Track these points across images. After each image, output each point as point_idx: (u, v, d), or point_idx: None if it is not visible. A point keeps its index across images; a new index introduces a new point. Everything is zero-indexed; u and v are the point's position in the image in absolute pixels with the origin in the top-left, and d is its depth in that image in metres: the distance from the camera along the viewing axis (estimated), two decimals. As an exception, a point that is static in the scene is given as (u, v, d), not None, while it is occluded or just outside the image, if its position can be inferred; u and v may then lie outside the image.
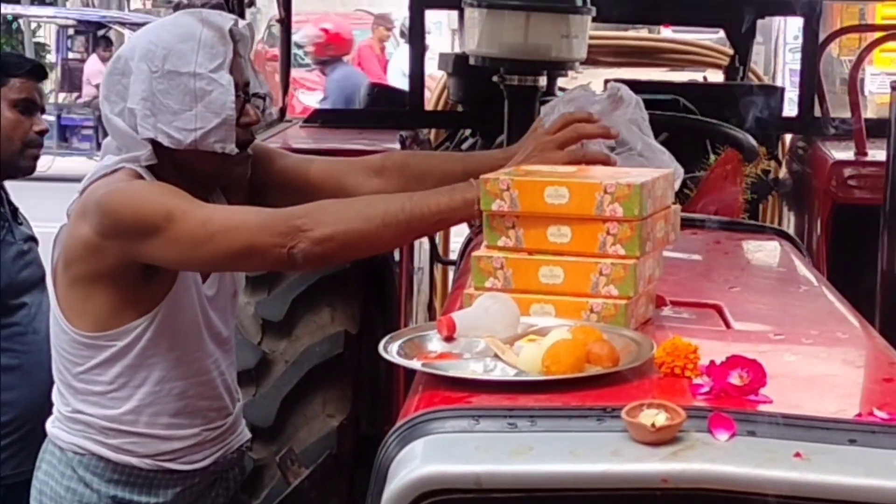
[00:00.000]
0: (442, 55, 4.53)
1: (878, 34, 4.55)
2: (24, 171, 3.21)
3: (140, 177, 2.38)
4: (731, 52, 5.05)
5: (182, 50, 2.36)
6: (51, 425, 2.52)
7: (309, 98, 16.55)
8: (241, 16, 3.93)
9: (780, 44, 20.67)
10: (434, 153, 3.37)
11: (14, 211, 3.27)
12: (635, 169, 2.30)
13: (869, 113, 15.35)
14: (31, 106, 3.18)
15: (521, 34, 2.77)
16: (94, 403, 2.45)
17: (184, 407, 2.50)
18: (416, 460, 1.66)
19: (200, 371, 2.52)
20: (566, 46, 2.79)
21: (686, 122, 3.68)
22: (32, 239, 3.30)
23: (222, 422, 2.58)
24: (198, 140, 2.36)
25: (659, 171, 2.21)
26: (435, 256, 4.55)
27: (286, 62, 4.75)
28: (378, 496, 1.68)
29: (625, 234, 2.06)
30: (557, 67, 3.07)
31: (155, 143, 2.37)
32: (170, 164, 2.40)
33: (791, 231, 4.38)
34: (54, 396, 2.53)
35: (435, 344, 2.01)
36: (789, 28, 15.94)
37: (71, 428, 2.47)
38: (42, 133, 3.22)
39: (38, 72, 3.25)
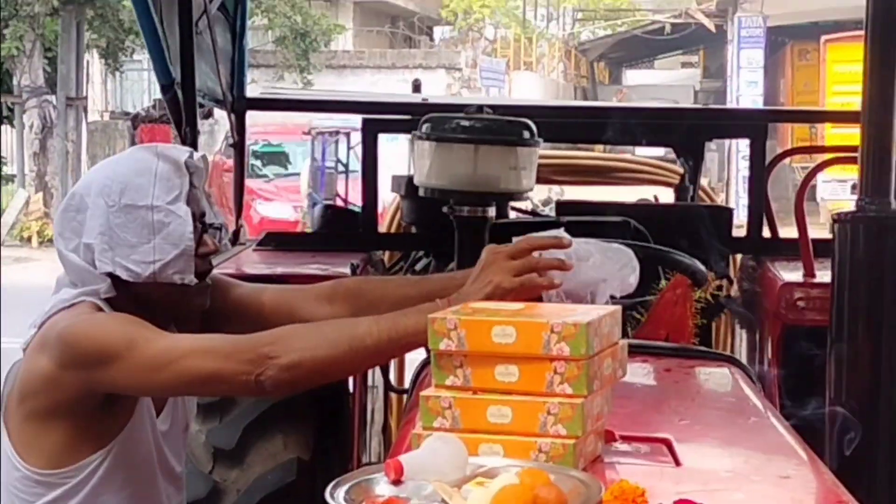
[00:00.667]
0: (394, 177, 4.57)
1: (827, 155, 4.63)
2: None
3: (100, 310, 2.38)
4: (681, 170, 5.13)
5: (139, 183, 2.39)
6: None
7: (266, 208, 16.66)
8: (194, 134, 3.95)
9: (734, 151, 21.03)
10: (388, 278, 3.38)
11: None
12: (581, 306, 2.31)
13: (822, 219, 15.58)
14: None
15: (470, 166, 2.80)
16: None
17: None
18: None
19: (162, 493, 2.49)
20: (514, 178, 2.82)
21: (635, 248, 3.70)
22: None
23: None
24: (157, 272, 2.37)
25: (605, 308, 2.23)
26: (388, 386, 4.53)
27: (240, 185, 4.77)
28: None
29: (572, 373, 2.07)
30: (506, 199, 3.11)
31: (113, 277, 2.37)
32: (128, 296, 2.41)
33: (743, 350, 4.41)
34: None
35: (382, 487, 1.99)
36: (741, 137, 16.19)
37: None
38: None
39: None
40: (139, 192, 2.38)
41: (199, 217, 2.45)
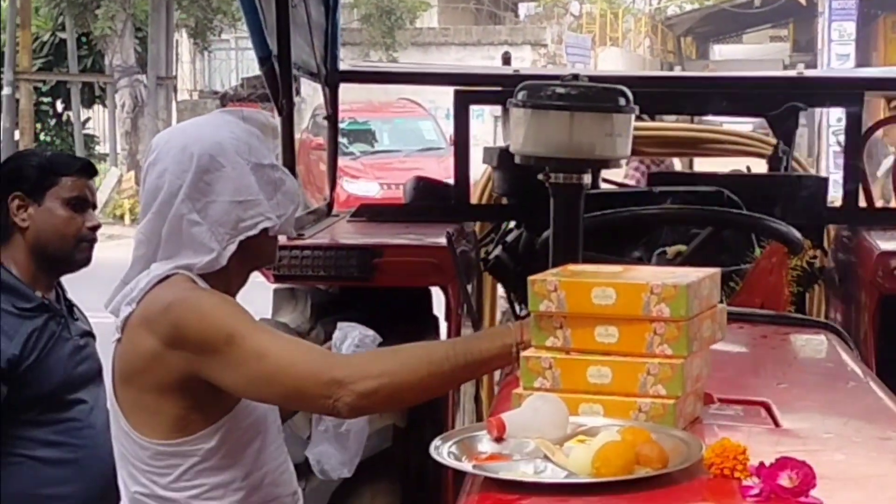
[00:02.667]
0: (486, 149, 4.59)
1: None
2: (79, 264, 3.28)
3: (194, 283, 2.41)
4: (773, 141, 5.08)
5: (255, 144, 2.48)
6: None
7: (353, 186, 16.77)
8: (290, 106, 4.00)
9: (824, 125, 20.70)
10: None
11: (70, 307, 3.33)
12: (682, 269, 2.33)
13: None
14: (82, 203, 3.26)
15: (565, 133, 2.81)
16: None
17: (266, 496, 2.49)
18: (468, 564, 1.67)
19: (274, 458, 2.53)
20: (610, 144, 2.82)
21: (730, 216, 3.70)
22: (89, 334, 3.35)
23: None
24: (281, 226, 2.47)
25: (705, 270, 2.24)
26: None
27: (333, 157, 4.83)
28: None
29: (672, 334, 2.09)
30: (602, 165, 3.12)
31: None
32: (230, 257, 2.43)
33: (838, 321, 4.37)
34: None
35: (485, 445, 2.04)
36: (832, 110, 15.92)
37: None
38: (94, 228, 3.29)
39: (87, 169, 3.33)
40: (258, 152, 2.46)
41: None
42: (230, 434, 2.41)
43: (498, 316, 4.99)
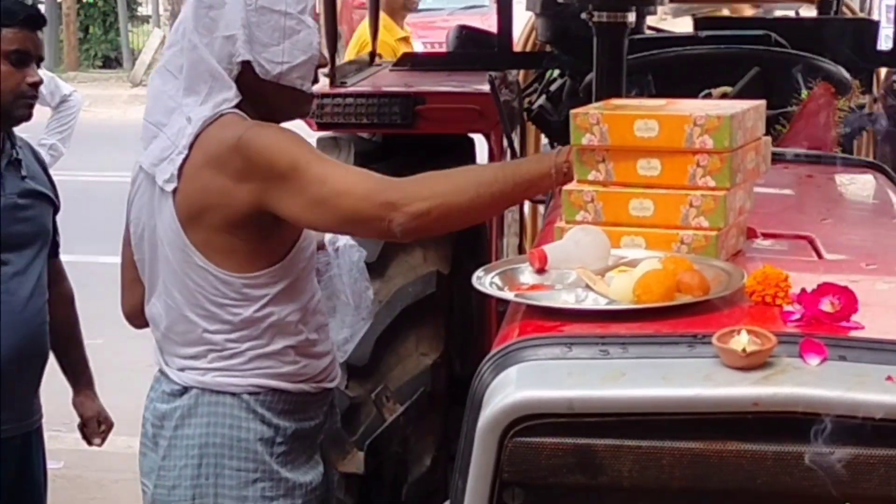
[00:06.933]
0: (530, -5, 4.53)
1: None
2: (18, 120, 3.11)
3: (246, 119, 2.44)
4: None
5: None
6: (209, 378, 2.54)
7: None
8: None
9: (876, -17, 20.24)
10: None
11: (17, 162, 3.14)
12: (725, 101, 2.30)
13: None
14: (24, 57, 3.06)
15: (610, -29, 2.77)
16: (277, 335, 2.51)
17: (317, 322, 2.61)
18: (511, 386, 1.70)
19: (316, 288, 2.65)
20: (655, -17, 2.78)
21: (776, 54, 3.64)
22: (39, 196, 3.18)
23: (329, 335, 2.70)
24: (283, 73, 2.46)
25: (749, 102, 2.21)
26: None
27: (375, 11, 4.78)
28: (473, 422, 1.72)
29: (715, 166, 2.07)
30: (646, 3, 3.07)
31: (238, 78, 2.44)
32: (250, 98, 2.47)
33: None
34: (196, 352, 2.54)
35: (527, 276, 2.05)
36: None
37: (243, 372, 2.51)
38: (35, 85, 3.09)
39: (33, 20, 3.10)
40: None
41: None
42: (294, 265, 2.51)
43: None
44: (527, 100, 4.50)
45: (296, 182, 2.34)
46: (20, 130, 3.24)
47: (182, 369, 2.56)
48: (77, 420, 3.49)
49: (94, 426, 3.46)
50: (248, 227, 2.43)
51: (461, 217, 2.40)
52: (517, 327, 1.86)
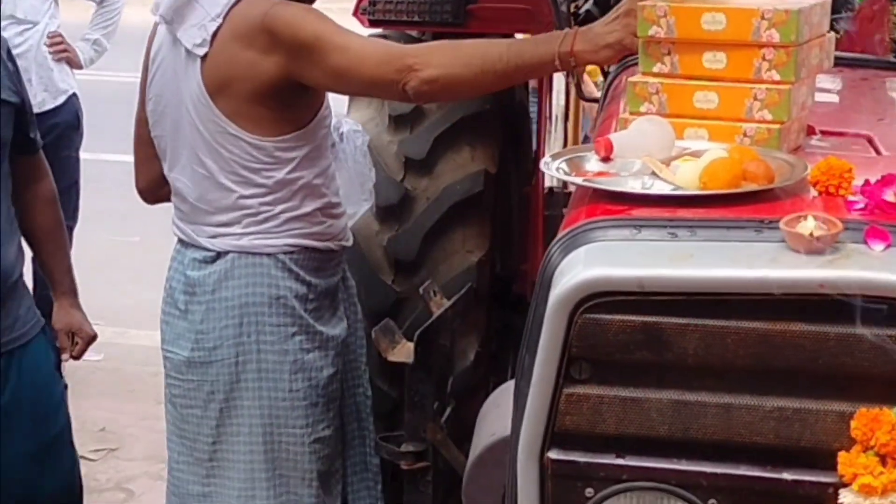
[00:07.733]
0: None
1: None
2: None
3: None
4: None
5: None
6: (245, 242, 2.70)
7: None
8: None
9: None
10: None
11: None
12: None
13: None
14: None
15: None
16: (307, 197, 2.70)
17: (335, 186, 2.82)
18: (581, 265, 1.75)
19: (330, 153, 2.85)
20: None
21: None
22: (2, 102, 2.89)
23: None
24: None
25: (815, -1, 2.22)
26: (579, 93, 4.56)
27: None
28: (543, 300, 1.77)
29: (781, 60, 2.10)
30: None
31: None
32: None
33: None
34: (229, 219, 2.69)
35: (592, 164, 2.09)
36: None
37: (278, 234, 2.70)
38: None
39: None
40: None
41: None
42: (317, 131, 2.70)
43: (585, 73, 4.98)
44: (573, 4, 4.49)
45: (319, 52, 2.51)
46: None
47: (214, 236, 2.72)
48: (117, 313, 3.42)
49: (64, 339, 3.15)
50: (275, 97, 2.60)
51: (465, 89, 2.61)
52: (585, 211, 1.91)
